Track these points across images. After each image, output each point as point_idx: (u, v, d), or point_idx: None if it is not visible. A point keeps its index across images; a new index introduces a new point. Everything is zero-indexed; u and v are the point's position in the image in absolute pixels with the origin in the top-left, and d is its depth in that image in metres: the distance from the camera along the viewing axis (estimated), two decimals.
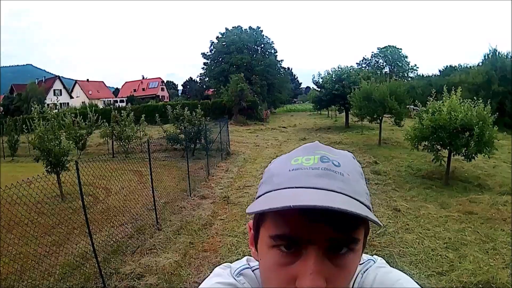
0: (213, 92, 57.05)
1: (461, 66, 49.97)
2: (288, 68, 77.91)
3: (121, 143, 19.80)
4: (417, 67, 75.29)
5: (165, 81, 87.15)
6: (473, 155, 10.95)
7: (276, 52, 59.28)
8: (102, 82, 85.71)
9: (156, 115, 20.59)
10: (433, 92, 12.35)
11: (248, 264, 0.97)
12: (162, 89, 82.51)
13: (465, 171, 13.31)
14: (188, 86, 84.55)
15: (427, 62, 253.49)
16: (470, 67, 43.10)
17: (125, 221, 8.54)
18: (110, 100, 70.65)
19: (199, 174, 13.52)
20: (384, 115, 19.91)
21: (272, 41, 58.58)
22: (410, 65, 74.16)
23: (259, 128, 33.18)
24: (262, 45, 57.66)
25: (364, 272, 0.94)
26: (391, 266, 0.98)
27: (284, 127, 33.27)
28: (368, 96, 19.61)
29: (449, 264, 5.85)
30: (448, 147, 11.36)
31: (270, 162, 0.87)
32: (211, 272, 0.98)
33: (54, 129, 11.29)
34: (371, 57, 75.74)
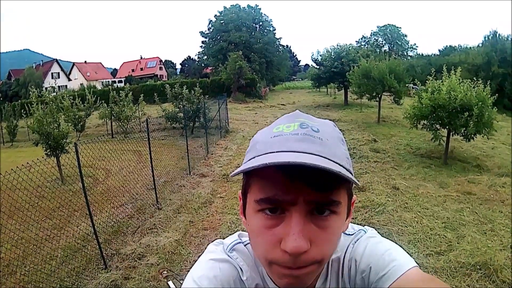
0: (211, 70, 56.85)
1: (460, 46, 49.80)
2: (287, 45, 77.45)
3: (120, 124, 19.81)
4: (417, 46, 74.63)
5: (163, 61, 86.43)
6: (472, 135, 10.97)
7: (275, 29, 59.01)
8: (100, 63, 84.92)
9: (155, 94, 20.58)
10: (432, 71, 12.27)
11: (240, 239, 1.00)
12: (161, 68, 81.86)
13: (464, 151, 13.33)
14: (186, 65, 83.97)
15: (426, 42, 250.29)
16: (470, 48, 42.97)
17: (125, 201, 8.58)
18: (109, 81, 70.06)
19: (198, 153, 13.52)
20: (383, 93, 19.79)
21: (271, 19, 58.12)
22: (409, 44, 73.40)
23: (258, 106, 33.02)
24: (261, 23, 57.22)
25: (355, 242, 0.96)
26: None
27: (283, 104, 33.05)
28: (367, 74, 19.45)
29: (447, 244, 5.85)
30: (447, 127, 11.35)
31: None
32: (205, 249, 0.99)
33: (52, 112, 11.26)
34: (371, 35, 74.81)
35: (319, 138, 0.77)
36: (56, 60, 71.55)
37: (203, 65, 62.88)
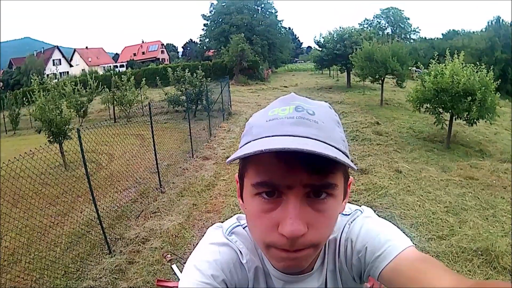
0: (213, 53, 56.49)
1: (464, 31, 49.50)
2: (289, 28, 76.77)
3: (122, 108, 19.77)
4: (419, 30, 73.99)
5: (165, 44, 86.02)
6: (475, 120, 10.88)
7: (277, 12, 58.20)
8: (102, 48, 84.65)
9: (157, 78, 20.43)
10: (435, 55, 12.12)
11: (239, 222, 1.01)
12: (162, 52, 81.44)
13: (466, 135, 13.24)
14: (188, 48, 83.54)
15: (429, 25, 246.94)
16: (473, 32, 42.80)
17: (128, 185, 8.59)
18: (110, 66, 69.80)
19: (201, 135, 13.49)
20: (386, 76, 19.59)
21: (272, 1, 57.50)
22: (412, 27, 72.56)
23: (261, 88, 32.87)
24: (262, 5, 56.53)
25: (351, 222, 0.97)
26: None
27: (286, 87, 32.82)
28: (370, 57, 19.19)
29: (449, 228, 5.80)
30: (450, 111, 11.28)
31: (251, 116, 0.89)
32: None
33: (54, 99, 11.23)
34: (373, 18, 74.02)
35: (315, 121, 0.77)
36: (57, 47, 71.27)
37: (205, 48, 62.38)
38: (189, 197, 7.75)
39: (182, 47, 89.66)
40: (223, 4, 54.62)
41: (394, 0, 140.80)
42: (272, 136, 0.74)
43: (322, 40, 31.92)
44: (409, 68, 20.59)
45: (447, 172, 8.86)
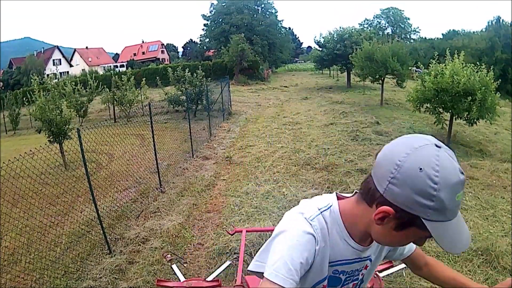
0: (213, 53, 56.55)
1: (464, 31, 49.52)
2: (289, 28, 76.77)
3: (123, 108, 19.80)
4: (419, 30, 73.85)
5: (165, 44, 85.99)
6: (475, 120, 10.86)
7: (277, 12, 58.18)
8: (102, 48, 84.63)
9: (157, 78, 20.43)
10: (435, 55, 12.11)
11: (319, 210, 1.20)
12: (162, 52, 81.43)
13: (466, 135, 13.24)
14: (188, 48, 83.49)
15: (429, 26, 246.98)
16: (473, 32, 42.89)
17: (128, 185, 8.59)
18: (110, 66, 69.89)
19: (201, 135, 13.49)
20: (386, 76, 19.59)
21: (272, 1, 57.44)
22: (412, 27, 72.49)
23: (261, 88, 32.85)
24: (263, 5, 56.43)
25: None
26: None
27: (286, 87, 32.89)
28: (370, 57, 19.20)
29: None
30: (450, 111, 11.26)
31: (437, 183, 0.93)
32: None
33: (54, 99, 11.23)
34: (373, 18, 73.89)
35: None
36: (57, 47, 71.32)
37: (205, 48, 62.38)
38: (189, 197, 7.74)
39: (182, 47, 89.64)
40: (223, 4, 54.56)
41: (394, 0, 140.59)
42: (459, 232, 1.00)
43: (322, 40, 31.95)
44: (409, 68, 20.57)
45: None
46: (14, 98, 25.46)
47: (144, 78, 21.54)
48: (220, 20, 54.70)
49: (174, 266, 4.04)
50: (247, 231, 4.23)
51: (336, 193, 1.28)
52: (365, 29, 47.29)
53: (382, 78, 19.52)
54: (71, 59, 72.99)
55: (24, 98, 16.39)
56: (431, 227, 0.96)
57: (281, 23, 58.34)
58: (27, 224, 5.59)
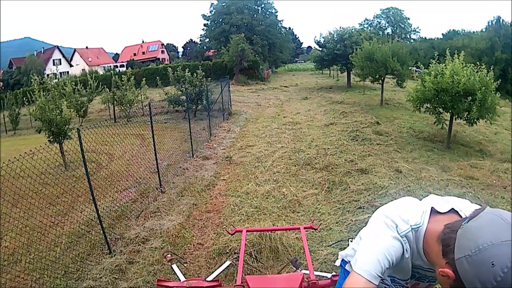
0: (213, 53, 56.56)
1: (464, 31, 49.52)
2: (289, 28, 76.77)
3: (123, 108, 19.78)
4: (419, 29, 73.82)
5: (165, 44, 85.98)
6: (475, 120, 10.87)
7: (277, 12, 58.16)
8: (102, 48, 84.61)
9: (157, 78, 20.46)
10: (435, 55, 12.11)
11: (411, 227, 1.42)
12: (162, 52, 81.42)
13: (466, 135, 13.25)
14: (188, 48, 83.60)
15: (429, 26, 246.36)
16: (473, 32, 42.93)
17: (128, 185, 8.58)
18: (110, 66, 69.89)
19: (201, 135, 13.50)
20: (386, 76, 19.58)
21: (272, 1, 57.36)
22: (412, 27, 72.44)
23: (261, 88, 32.85)
24: (263, 5, 56.43)
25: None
26: None
27: (286, 86, 32.90)
28: (370, 57, 19.17)
29: None
30: (450, 111, 11.27)
31: (498, 282, 1.04)
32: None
33: (54, 99, 11.21)
34: (373, 18, 73.84)
35: None
36: (57, 47, 71.33)
37: (205, 47, 62.43)
38: (189, 197, 7.73)
39: (182, 47, 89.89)
40: (223, 4, 54.55)
41: (394, 0, 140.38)
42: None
43: (322, 40, 31.90)
44: (409, 68, 20.50)
45: (447, 172, 8.84)
46: (14, 98, 25.47)
47: (144, 78, 21.56)
48: (220, 20, 54.71)
49: (174, 266, 4.04)
50: (247, 231, 4.24)
51: (432, 207, 1.45)
52: (365, 29, 47.35)
53: (382, 78, 19.50)
54: (71, 59, 72.99)
55: (24, 98, 16.39)
56: None
57: (281, 23, 58.36)
58: (27, 224, 5.58)
